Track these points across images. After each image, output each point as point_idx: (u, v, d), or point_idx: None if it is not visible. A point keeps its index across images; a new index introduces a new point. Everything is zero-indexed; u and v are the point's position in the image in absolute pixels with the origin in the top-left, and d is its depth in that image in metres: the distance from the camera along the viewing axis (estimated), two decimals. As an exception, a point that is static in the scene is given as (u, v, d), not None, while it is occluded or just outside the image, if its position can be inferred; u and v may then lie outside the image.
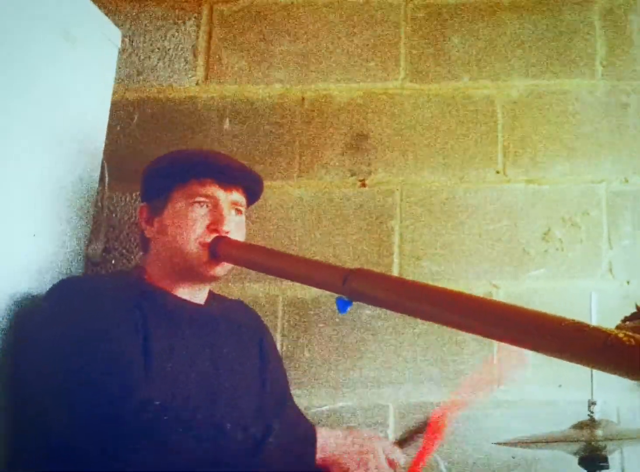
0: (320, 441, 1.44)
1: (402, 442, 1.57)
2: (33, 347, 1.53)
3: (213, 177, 1.69)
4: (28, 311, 1.66)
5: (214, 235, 1.65)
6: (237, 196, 1.72)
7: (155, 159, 1.79)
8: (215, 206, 1.68)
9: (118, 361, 1.45)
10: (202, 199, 1.67)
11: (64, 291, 1.59)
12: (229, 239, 1.66)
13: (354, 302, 1.40)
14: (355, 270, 1.41)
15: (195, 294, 1.73)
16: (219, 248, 1.64)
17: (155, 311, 1.61)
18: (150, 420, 1.37)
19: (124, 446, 1.34)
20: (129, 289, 1.64)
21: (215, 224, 1.66)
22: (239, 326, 1.80)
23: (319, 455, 1.43)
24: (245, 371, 1.74)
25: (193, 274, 1.69)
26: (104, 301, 1.55)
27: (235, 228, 1.70)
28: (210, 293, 1.79)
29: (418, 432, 1.57)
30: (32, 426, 1.48)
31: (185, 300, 1.70)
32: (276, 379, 1.83)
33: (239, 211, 1.74)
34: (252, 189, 1.80)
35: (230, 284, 2.16)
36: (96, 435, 1.35)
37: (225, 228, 1.66)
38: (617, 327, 1.11)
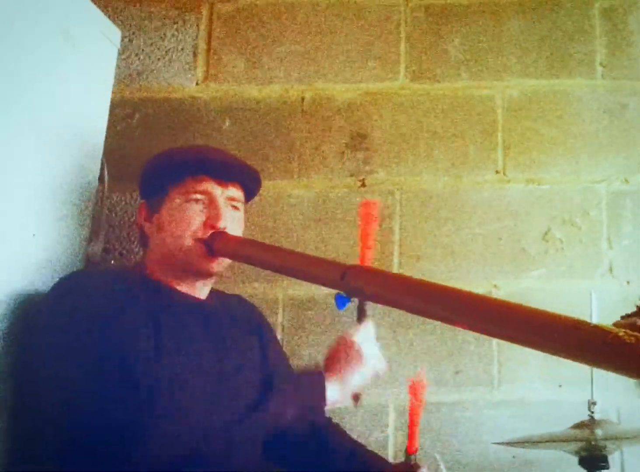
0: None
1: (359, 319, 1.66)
2: (42, 342, 1.51)
3: (208, 174, 1.68)
4: (26, 310, 1.64)
5: (211, 231, 1.64)
6: (234, 192, 1.71)
7: (153, 157, 1.78)
8: (211, 203, 1.67)
9: (135, 356, 1.44)
10: (198, 196, 1.66)
11: (73, 285, 1.56)
12: (226, 234, 1.65)
13: (353, 300, 1.41)
14: (354, 266, 1.40)
15: (197, 290, 1.72)
16: (216, 243, 1.63)
17: (162, 305, 1.60)
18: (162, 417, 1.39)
19: (141, 446, 1.35)
20: (135, 283, 1.63)
21: (211, 220, 1.65)
22: (238, 319, 1.80)
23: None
24: (248, 362, 1.73)
25: (190, 270, 1.68)
26: (115, 294, 1.53)
27: (232, 224, 1.69)
28: (212, 291, 1.78)
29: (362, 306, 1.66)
30: (41, 426, 1.47)
31: (187, 294, 1.70)
32: (278, 369, 1.83)
33: (235, 207, 1.72)
34: (249, 185, 1.78)
35: (230, 283, 2.15)
36: (115, 434, 1.35)
37: (221, 224, 1.65)
38: (617, 325, 1.10)
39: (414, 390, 1.69)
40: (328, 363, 1.60)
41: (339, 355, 1.59)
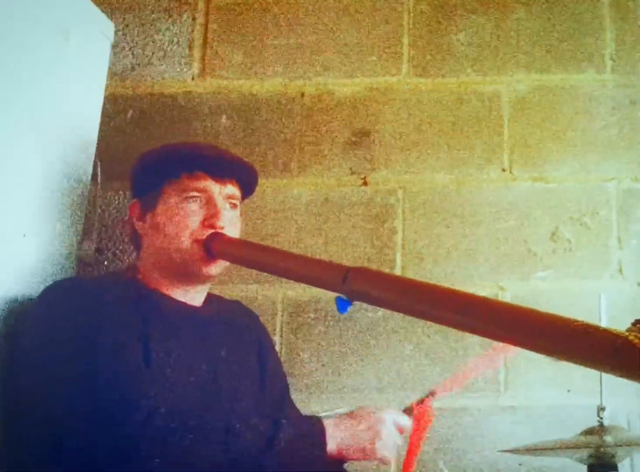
0: (328, 431, 1.43)
1: (407, 411, 1.57)
2: (27, 354, 1.49)
3: (205, 170, 1.65)
4: (18, 312, 1.63)
5: (209, 231, 1.62)
6: (232, 189, 1.69)
7: (145, 153, 1.77)
8: (209, 200, 1.65)
9: (122, 367, 1.42)
10: (195, 193, 1.64)
11: (60, 294, 1.54)
12: (225, 235, 1.63)
13: (354, 303, 1.37)
14: (356, 268, 1.38)
15: (192, 296, 1.70)
16: (214, 245, 1.61)
17: (153, 314, 1.58)
18: (159, 428, 1.34)
19: (135, 455, 1.31)
20: (126, 291, 1.61)
21: (209, 219, 1.63)
22: (236, 327, 1.78)
23: (330, 445, 1.42)
24: (244, 372, 1.71)
25: (187, 273, 1.65)
26: (103, 304, 1.51)
27: (230, 223, 1.67)
28: (208, 295, 1.76)
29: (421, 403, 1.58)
30: (32, 438, 1.44)
31: (181, 302, 1.67)
32: (275, 380, 1.82)
33: (233, 205, 1.71)
34: (247, 182, 1.77)
35: (228, 285, 2.13)
36: (105, 445, 1.32)
37: (220, 223, 1.63)
38: (628, 330, 1.08)
39: (419, 417, 1.56)
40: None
41: (360, 426, 1.46)
